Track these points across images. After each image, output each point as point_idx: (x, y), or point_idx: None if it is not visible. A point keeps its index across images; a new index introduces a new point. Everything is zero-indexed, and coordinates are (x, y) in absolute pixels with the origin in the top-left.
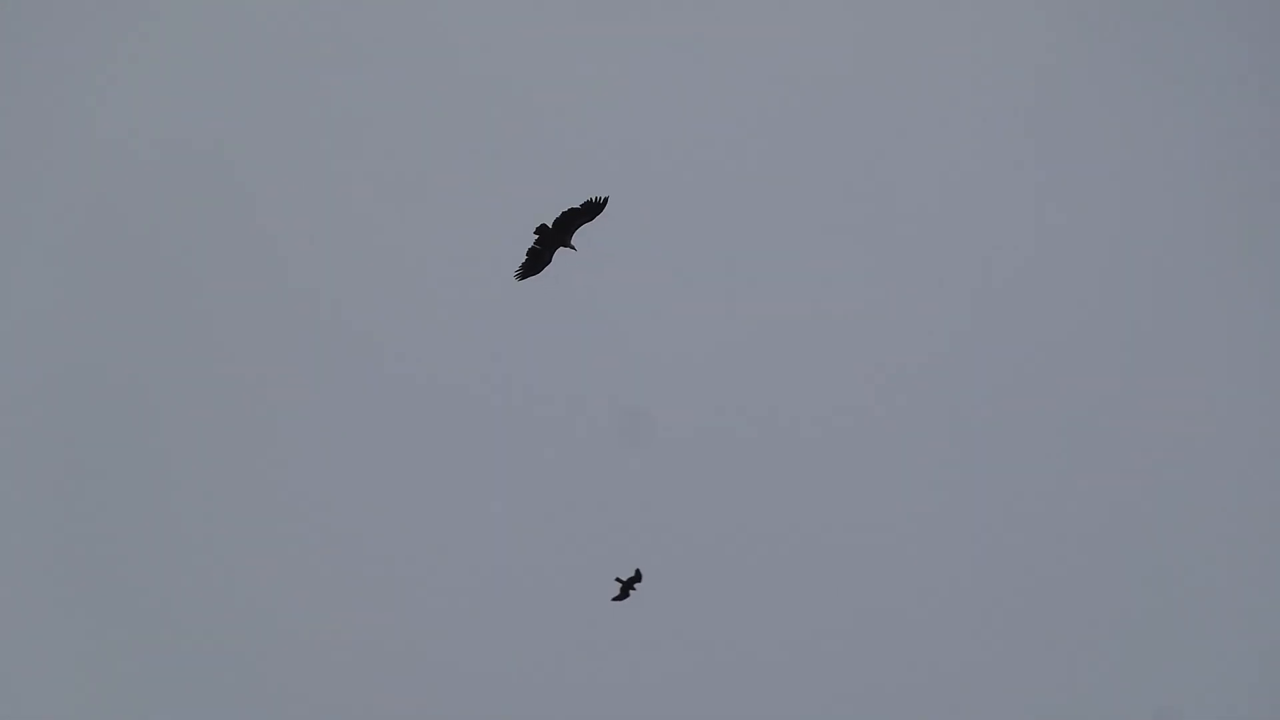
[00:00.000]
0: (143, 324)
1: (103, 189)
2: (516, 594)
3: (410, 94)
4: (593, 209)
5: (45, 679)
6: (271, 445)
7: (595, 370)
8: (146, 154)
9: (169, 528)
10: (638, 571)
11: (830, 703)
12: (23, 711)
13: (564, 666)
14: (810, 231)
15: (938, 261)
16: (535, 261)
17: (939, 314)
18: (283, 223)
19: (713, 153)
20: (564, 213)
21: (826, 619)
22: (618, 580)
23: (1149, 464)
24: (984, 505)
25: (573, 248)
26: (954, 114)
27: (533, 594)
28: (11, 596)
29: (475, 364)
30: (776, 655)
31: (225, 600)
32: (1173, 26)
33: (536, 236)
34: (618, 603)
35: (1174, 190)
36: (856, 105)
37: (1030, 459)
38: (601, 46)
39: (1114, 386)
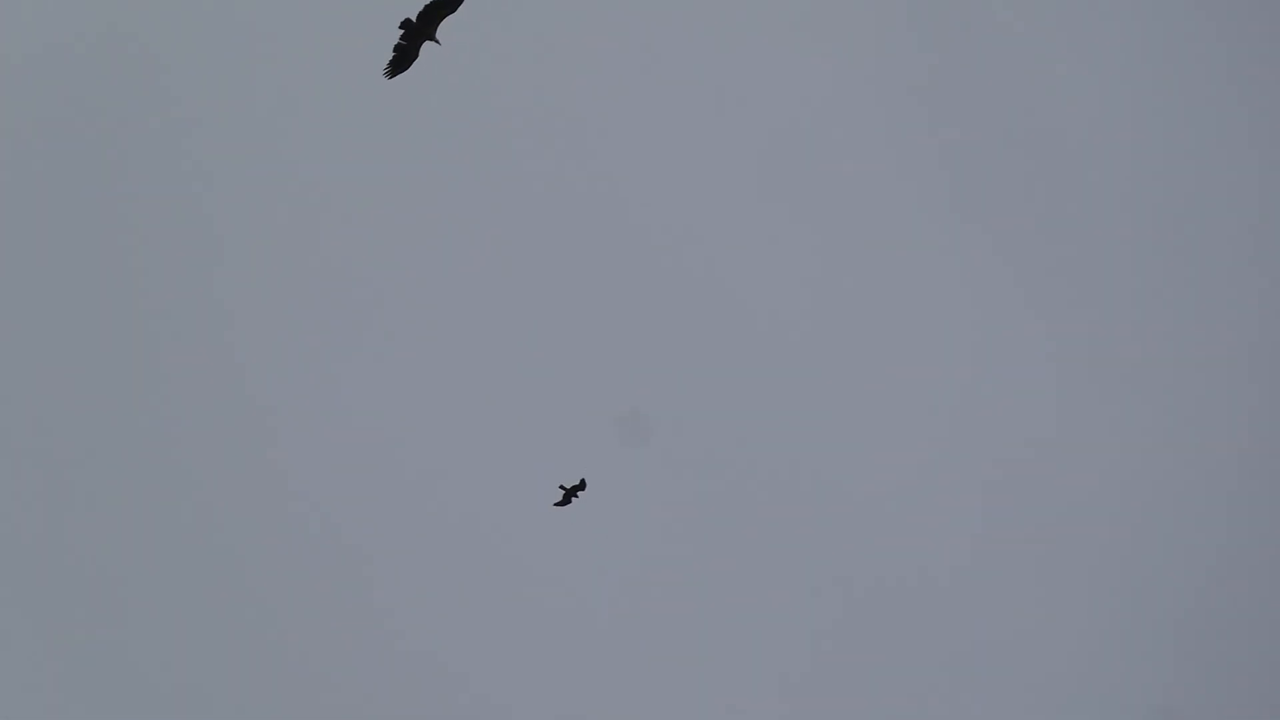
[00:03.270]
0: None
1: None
2: (515, 592)
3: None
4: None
5: (44, 678)
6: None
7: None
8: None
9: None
10: (582, 480)
11: (828, 702)
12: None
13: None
14: (811, 233)
15: (933, 261)
16: (402, 58)
17: (937, 313)
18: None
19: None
20: (426, 5)
21: (824, 618)
22: (561, 488)
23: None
24: (982, 503)
25: (437, 41)
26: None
27: (533, 593)
28: (11, 594)
29: (477, 360)
30: (776, 653)
31: (224, 598)
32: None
33: (402, 31)
34: (558, 508)
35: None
36: (855, 118)
37: (1029, 456)
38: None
39: (1111, 379)
